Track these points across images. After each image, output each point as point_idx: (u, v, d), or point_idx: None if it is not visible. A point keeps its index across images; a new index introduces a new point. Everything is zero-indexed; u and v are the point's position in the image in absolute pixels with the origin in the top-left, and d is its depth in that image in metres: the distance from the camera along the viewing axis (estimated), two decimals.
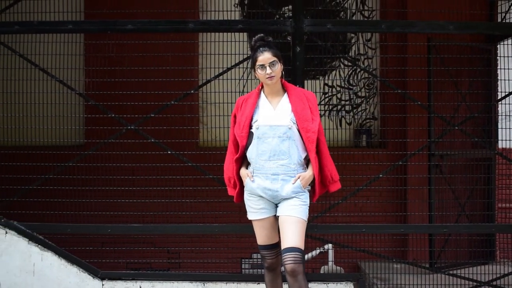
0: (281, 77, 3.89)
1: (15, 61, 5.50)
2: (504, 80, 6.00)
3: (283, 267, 3.75)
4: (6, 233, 5.01)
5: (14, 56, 5.40)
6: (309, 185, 3.87)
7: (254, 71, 3.85)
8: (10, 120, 5.74)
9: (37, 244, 5.01)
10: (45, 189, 5.35)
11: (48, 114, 5.72)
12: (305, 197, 3.83)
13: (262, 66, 3.77)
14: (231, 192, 4.06)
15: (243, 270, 7.40)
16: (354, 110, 7.95)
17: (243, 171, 3.91)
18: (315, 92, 4.77)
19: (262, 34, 3.88)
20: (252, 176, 3.84)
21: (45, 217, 5.43)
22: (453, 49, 6.61)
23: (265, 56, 3.76)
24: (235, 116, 3.97)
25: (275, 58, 3.78)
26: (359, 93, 7.96)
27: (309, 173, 3.82)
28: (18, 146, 5.84)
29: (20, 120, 5.77)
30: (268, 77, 3.78)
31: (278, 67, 3.80)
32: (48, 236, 5.21)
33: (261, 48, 3.80)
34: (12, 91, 5.63)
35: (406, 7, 7.18)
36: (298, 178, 3.79)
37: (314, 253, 6.74)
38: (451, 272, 5.98)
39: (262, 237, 3.93)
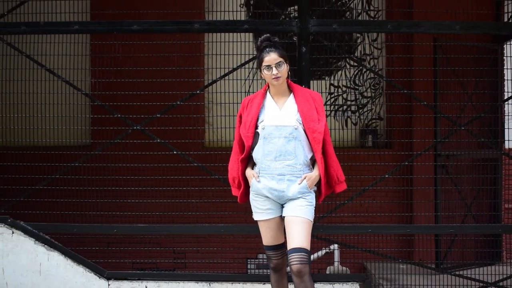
0: (287, 77, 3.89)
1: (21, 61, 5.52)
2: (511, 80, 5.98)
3: (289, 268, 3.74)
4: (13, 233, 5.03)
5: (20, 57, 5.42)
6: (315, 185, 3.86)
7: (260, 71, 3.84)
8: (16, 121, 5.76)
9: (43, 244, 5.02)
10: (52, 189, 5.37)
11: (54, 115, 5.74)
12: (311, 198, 3.82)
13: (268, 67, 3.77)
14: (235, 192, 4.06)
15: (248, 271, 7.40)
16: (360, 111, 7.94)
17: (249, 172, 3.91)
18: (321, 92, 4.77)
19: (268, 35, 3.87)
20: (258, 176, 3.84)
21: (52, 217, 5.45)
22: (459, 49, 6.59)
23: (271, 57, 3.76)
24: (240, 116, 3.97)
25: (281, 59, 3.77)
26: (365, 93, 7.95)
27: (315, 173, 3.82)
28: (25, 146, 5.86)
29: (26, 120, 5.79)
30: (274, 78, 3.78)
31: (284, 68, 3.80)
32: (55, 236, 5.22)
33: (267, 49, 3.79)
34: (19, 91, 5.65)
35: (412, 7, 7.16)
36: (304, 178, 3.78)
37: (320, 253, 6.74)
38: (457, 272, 5.97)
39: (267, 238, 3.93)
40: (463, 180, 6.72)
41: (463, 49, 6.62)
